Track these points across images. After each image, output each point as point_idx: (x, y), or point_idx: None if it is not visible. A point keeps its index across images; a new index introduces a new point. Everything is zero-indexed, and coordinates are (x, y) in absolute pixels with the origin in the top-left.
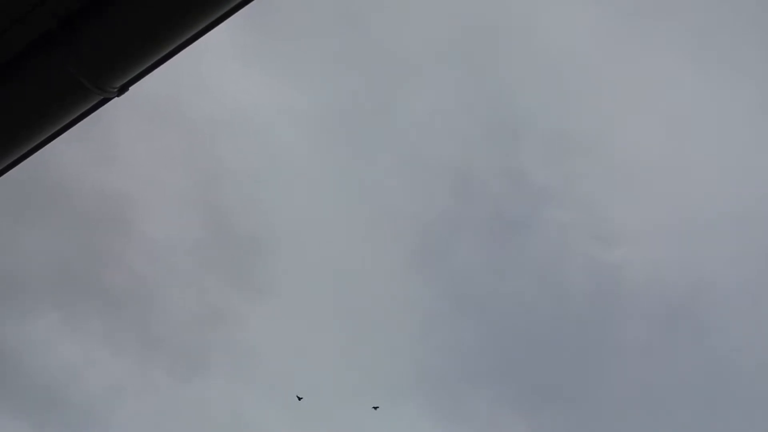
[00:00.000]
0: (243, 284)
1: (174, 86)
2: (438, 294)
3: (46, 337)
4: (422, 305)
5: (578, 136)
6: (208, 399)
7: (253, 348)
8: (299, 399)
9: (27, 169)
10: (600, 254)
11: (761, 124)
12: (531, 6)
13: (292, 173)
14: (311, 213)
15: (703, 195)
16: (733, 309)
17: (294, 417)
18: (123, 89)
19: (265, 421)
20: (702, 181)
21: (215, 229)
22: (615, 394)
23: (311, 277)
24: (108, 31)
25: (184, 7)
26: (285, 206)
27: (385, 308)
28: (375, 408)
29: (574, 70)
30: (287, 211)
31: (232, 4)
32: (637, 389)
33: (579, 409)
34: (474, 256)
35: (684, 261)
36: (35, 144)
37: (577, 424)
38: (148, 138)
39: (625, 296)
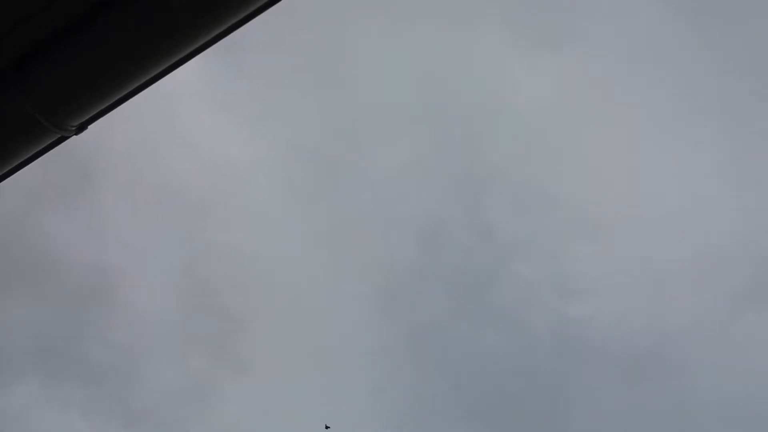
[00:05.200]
0: (220, 355)
1: (145, 140)
2: (405, 346)
3: (24, 409)
4: (389, 356)
5: (544, 191)
6: None
7: (232, 421)
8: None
9: (10, 238)
10: (565, 307)
11: (721, 181)
12: (498, 62)
13: (267, 233)
14: (282, 267)
15: (665, 249)
16: (697, 359)
17: None
18: (81, 128)
19: None
20: (664, 235)
21: (196, 298)
22: None
23: (286, 336)
24: (64, 68)
25: (142, 45)
26: (260, 269)
27: (353, 361)
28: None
29: (541, 126)
30: (263, 274)
31: (194, 47)
32: None
33: None
34: (440, 308)
35: (648, 313)
36: None
37: None
38: (127, 203)
39: (591, 348)
